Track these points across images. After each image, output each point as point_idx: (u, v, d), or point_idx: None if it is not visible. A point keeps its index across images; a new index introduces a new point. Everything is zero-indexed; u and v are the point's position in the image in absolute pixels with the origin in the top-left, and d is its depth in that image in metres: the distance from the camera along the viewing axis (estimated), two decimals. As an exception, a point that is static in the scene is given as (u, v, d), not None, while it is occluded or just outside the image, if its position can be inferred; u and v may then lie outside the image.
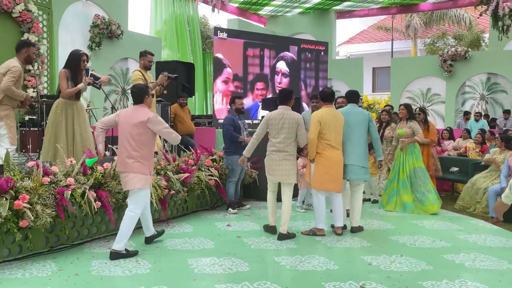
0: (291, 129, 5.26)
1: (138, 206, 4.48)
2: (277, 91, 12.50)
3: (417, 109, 7.66)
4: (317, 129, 5.27)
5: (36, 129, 7.30)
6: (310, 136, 5.28)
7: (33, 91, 8.00)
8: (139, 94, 4.56)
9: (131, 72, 12.45)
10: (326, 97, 5.52)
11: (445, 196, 8.21)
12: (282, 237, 5.18)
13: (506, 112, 13.19)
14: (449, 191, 8.62)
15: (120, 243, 4.38)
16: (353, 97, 5.87)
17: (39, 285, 3.71)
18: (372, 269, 4.22)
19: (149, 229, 4.91)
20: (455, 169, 8.22)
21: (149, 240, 4.93)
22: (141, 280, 3.86)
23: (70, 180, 4.54)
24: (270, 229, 5.46)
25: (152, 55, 6.81)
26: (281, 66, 12.92)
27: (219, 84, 11.55)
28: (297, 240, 5.18)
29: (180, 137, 4.75)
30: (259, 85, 12.59)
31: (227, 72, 11.75)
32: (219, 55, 11.59)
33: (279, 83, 12.84)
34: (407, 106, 7.02)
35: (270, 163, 5.33)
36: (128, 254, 4.43)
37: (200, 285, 3.82)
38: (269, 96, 12.16)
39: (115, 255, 4.36)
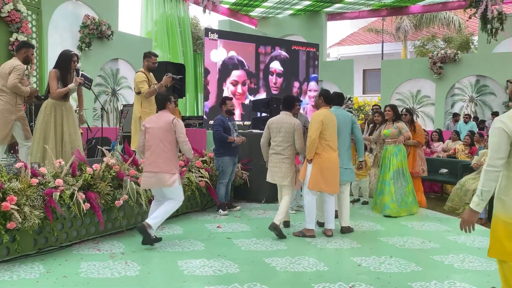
0: (288, 134, 5.46)
1: (179, 196, 4.95)
2: (272, 91, 12.47)
3: (404, 110, 7.63)
4: (319, 129, 5.28)
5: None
6: (312, 136, 5.28)
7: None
8: (162, 101, 5.00)
9: (122, 73, 12.50)
10: (329, 99, 5.57)
11: (434, 197, 8.28)
12: (274, 227, 5.22)
13: (494, 114, 13.34)
14: (438, 193, 8.68)
15: (155, 219, 4.73)
16: (337, 99, 5.91)
17: (27, 288, 3.68)
18: (361, 270, 4.24)
19: (155, 218, 4.87)
20: (444, 170, 8.27)
21: (146, 241, 4.78)
22: (130, 282, 3.84)
23: (59, 181, 4.51)
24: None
25: (156, 56, 6.79)
26: (275, 66, 12.84)
27: (228, 85, 11.68)
28: (287, 241, 5.18)
29: (193, 153, 5.14)
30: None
31: (236, 74, 11.77)
32: (233, 53, 11.61)
33: (274, 83, 12.79)
34: (393, 107, 7.01)
35: (270, 165, 5.61)
36: (151, 240, 4.71)
37: (190, 287, 3.80)
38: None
39: (143, 228, 4.66)
